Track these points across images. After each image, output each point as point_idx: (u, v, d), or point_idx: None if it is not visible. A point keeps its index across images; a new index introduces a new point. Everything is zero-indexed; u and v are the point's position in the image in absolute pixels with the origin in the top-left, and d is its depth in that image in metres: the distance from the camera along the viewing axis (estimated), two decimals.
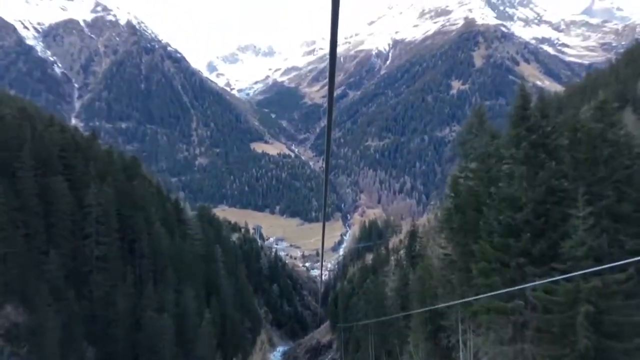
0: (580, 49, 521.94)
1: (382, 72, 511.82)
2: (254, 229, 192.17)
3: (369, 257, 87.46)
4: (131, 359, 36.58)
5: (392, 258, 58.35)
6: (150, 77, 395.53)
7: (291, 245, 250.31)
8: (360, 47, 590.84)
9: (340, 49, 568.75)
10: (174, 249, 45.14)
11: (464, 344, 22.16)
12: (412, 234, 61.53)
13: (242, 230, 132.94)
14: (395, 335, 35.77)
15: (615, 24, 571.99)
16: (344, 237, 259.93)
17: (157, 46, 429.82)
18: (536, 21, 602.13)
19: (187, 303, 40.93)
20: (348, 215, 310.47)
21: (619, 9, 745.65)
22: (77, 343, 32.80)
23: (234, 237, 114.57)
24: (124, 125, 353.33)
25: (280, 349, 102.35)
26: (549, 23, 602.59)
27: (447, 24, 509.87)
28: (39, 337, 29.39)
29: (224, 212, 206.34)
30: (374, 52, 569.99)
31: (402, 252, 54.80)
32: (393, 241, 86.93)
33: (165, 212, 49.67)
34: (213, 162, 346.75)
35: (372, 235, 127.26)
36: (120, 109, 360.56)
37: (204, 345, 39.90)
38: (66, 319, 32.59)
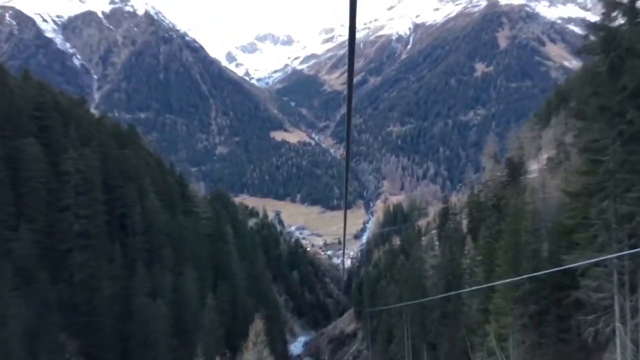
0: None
1: (403, 56, 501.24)
2: (275, 214, 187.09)
3: (396, 241, 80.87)
4: (119, 352, 30.90)
5: (424, 238, 51.75)
6: (168, 67, 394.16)
7: (313, 234, 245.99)
8: (380, 33, 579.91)
9: (359, 35, 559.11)
10: (174, 226, 39.26)
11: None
12: (445, 211, 54.94)
13: (261, 216, 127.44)
14: (440, 322, 29.59)
15: None
16: (367, 225, 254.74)
17: (175, 36, 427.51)
18: (561, 1, 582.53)
19: (187, 287, 34.97)
20: (370, 202, 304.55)
21: None
22: (53, 334, 27.11)
23: (252, 222, 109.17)
24: (143, 116, 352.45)
25: (302, 339, 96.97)
26: (575, 2, 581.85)
27: (470, 5, 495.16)
28: (1, 328, 23.66)
29: (244, 201, 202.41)
30: (394, 37, 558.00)
31: (450, 225, 48.39)
32: (420, 223, 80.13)
33: (167, 186, 43.80)
34: (233, 151, 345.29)
35: (397, 219, 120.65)
36: (139, 100, 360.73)
37: (207, 335, 33.94)
38: (39, 306, 26.83)
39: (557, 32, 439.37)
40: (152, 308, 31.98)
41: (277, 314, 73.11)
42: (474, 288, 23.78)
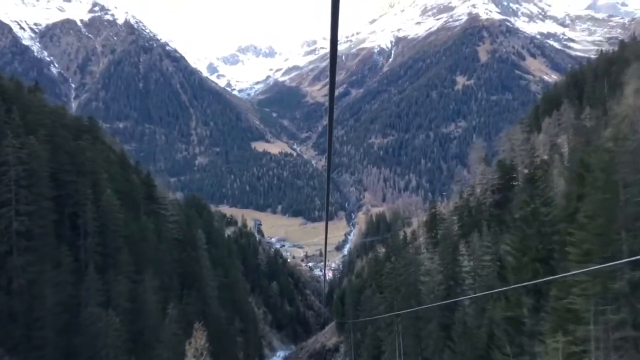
0: (587, 43, 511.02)
1: (385, 69, 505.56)
2: (255, 223, 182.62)
3: (380, 250, 77.11)
4: None
5: (411, 245, 48.17)
6: (148, 76, 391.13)
7: (294, 246, 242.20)
8: (361, 45, 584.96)
9: (341, 48, 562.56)
10: (135, 228, 34.95)
11: None
12: (433, 216, 51.70)
13: (239, 224, 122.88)
14: (439, 334, 25.77)
15: (621, 19, 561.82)
16: (348, 237, 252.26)
17: (155, 45, 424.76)
18: (540, 16, 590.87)
19: (147, 296, 30.60)
20: (352, 214, 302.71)
21: (623, 4, 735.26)
22: None
23: (230, 230, 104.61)
24: (121, 125, 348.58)
25: (281, 353, 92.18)
26: (554, 18, 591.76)
27: (451, 20, 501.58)
28: None
29: (224, 211, 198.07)
30: (375, 50, 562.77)
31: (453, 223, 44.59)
32: (404, 232, 76.49)
33: (130, 185, 39.44)
34: (213, 161, 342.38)
35: (380, 229, 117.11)
36: (117, 109, 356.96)
37: (168, 350, 29.58)
38: None
39: (536, 46, 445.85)
40: (103, 319, 27.61)
41: (253, 327, 68.64)
42: (527, 283, 16.73)
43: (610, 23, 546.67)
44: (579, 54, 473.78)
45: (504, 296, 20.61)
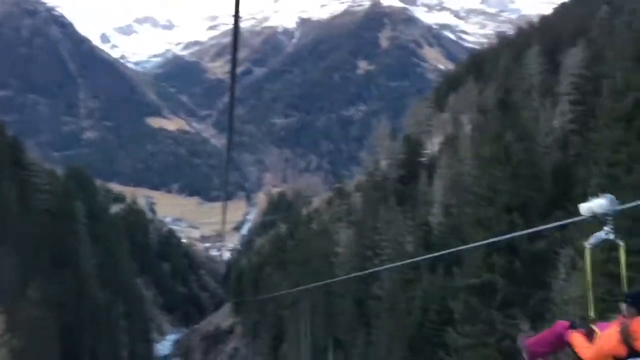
0: (479, 36, 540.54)
1: (288, 49, 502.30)
2: (147, 201, 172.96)
3: (282, 228, 74.52)
4: None
5: (315, 222, 46.03)
6: (32, 41, 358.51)
7: (190, 226, 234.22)
8: (265, 24, 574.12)
9: (245, 25, 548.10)
10: None
11: None
12: (339, 191, 49.76)
13: (128, 201, 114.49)
14: (354, 313, 23.38)
15: (510, 15, 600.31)
16: (248, 217, 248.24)
17: (41, 9, 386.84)
18: (438, 7, 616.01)
19: (1, 276, 25.30)
20: (252, 194, 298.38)
21: (511, 1, 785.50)
22: None
23: (117, 207, 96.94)
24: (0, 94, 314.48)
25: (172, 337, 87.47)
26: (450, 10, 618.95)
27: (354, 4, 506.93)
28: None
29: (114, 189, 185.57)
30: (280, 30, 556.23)
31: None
32: (307, 210, 74.76)
33: None
34: (103, 136, 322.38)
35: (281, 208, 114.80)
36: None
37: (21, 337, 24.81)
38: None
39: (433, 36, 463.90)
40: None
41: (140, 310, 63.52)
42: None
43: (500, 18, 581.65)
44: (472, 45, 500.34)
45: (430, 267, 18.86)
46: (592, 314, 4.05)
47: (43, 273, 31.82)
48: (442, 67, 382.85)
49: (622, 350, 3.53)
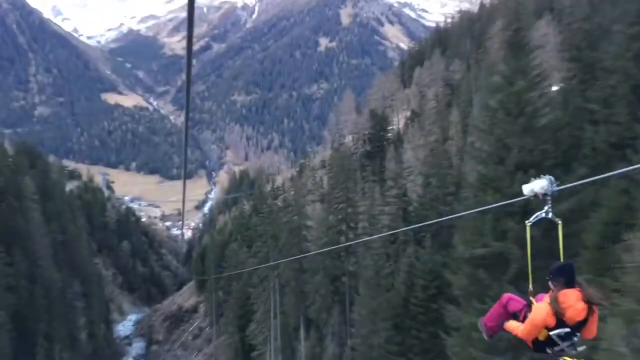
0: (439, 15, 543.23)
1: (248, 25, 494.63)
2: (103, 178, 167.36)
3: (245, 206, 72.69)
4: None
5: (280, 198, 44.46)
6: None
7: (150, 205, 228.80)
8: None
9: (203, 0, 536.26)
10: None
11: None
12: (303, 167, 48.33)
13: (84, 179, 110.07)
14: (328, 289, 21.96)
15: None
16: (209, 196, 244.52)
17: None
18: None
19: None
20: (213, 172, 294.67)
21: None
22: None
23: (72, 185, 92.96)
24: None
25: (133, 317, 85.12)
26: None
27: None
28: None
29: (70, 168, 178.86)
30: (239, 5, 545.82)
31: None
32: (271, 186, 72.91)
33: None
34: (56, 112, 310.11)
35: (244, 186, 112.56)
36: None
37: None
38: None
39: (394, 14, 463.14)
40: None
41: (98, 290, 61.02)
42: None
43: None
44: (432, 24, 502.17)
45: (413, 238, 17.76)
46: (531, 287, 4.26)
47: None
48: (403, 45, 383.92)
49: (552, 321, 3.76)
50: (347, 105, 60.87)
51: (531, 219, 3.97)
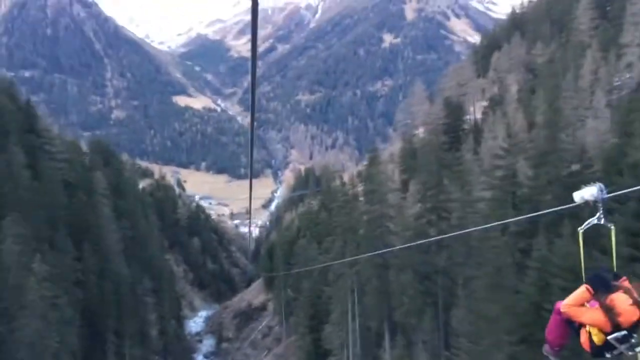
0: (507, 5, 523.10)
1: (312, 25, 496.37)
2: (174, 176, 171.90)
3: (312, 203, 70.92)
4: None
5: (350, 193, 42.10)
6: (57, 21, 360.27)
7: (219, 203, 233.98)
8: (288, 0, 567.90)
9: (267, 2, 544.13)
10: None
11: None
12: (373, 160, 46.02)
13: (156, 176, 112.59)
14: (416, 288, 18.87)
15: None
16: (275, 195, 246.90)
17: None
18: None
19: (4, 248, 22.19)
20: (279, 171, 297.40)
21: None
22: None
23: (145, 183, 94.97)
24: (27, 74, 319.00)
25: (203, 313, 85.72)
26: None
27: None
28: None
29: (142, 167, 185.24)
30: (302, 5, 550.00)
31: None
32: (341, 181, 70.60)
33: None
34: (131, 115, 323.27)
35: (310, 183, 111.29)
36: (23, 56, 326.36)
37: (35, 317, 21.85)
38: None
39: (461, 7, 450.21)
40: None
41: (170, 286, 61.16)
42: None
43: None
44: (500, 16, 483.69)
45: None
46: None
47: (57, 247, 29.05)
48: (470, 39, 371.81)
49: (608, 327, 3.69)
50: (418, 96, 57.67)
51: (583, 225, 3.92)
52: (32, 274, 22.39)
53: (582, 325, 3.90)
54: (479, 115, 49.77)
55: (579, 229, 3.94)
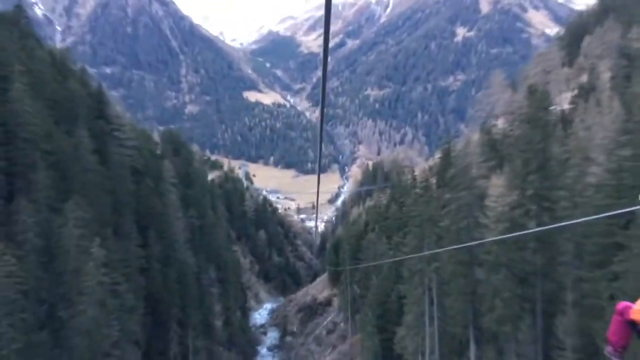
0: None
1: (382, 20, 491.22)
2: (242, 168, 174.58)
3: (380, 197, 68.43)
4: None
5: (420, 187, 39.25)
6: (137, 20, 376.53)
7: (286, 198, 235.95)
8: None
9: None
10: (63, 143, 25.67)
11: None
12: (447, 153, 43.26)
13: (225, 169, 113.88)
14: (512, 291, 15.80)
15: None
16: (342, 190, 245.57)
17: None
18: None
19: (65, 231, 21.55)
20: (346, 167, 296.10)
21: None
22: None
23: (214, 174, 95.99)
24: (108, 71, 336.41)
25: (268, 306, 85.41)
26: None
27: None
28: None
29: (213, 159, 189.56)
30: (373, 0, 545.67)
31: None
32: (412, 175, 67.44)
33: (66, 93, 29.59)
34: (203, 110, 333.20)
35: (378, 178, 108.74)
36: (105, 54, 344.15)
37: (93, 305, 21.07)
38: None
39: None
40: None
41: (235, 277, 60.81)
42: None
43: None
44: (582, 7, 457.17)
45: None
46: None
47: (121, 233, 28.64)
48: (549, 31, 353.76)
49: None
50: (499, 85, 53.92)
51: None
52: (91, 258, 21.77)
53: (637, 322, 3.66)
54: (566, 105, 45.56)
55: None
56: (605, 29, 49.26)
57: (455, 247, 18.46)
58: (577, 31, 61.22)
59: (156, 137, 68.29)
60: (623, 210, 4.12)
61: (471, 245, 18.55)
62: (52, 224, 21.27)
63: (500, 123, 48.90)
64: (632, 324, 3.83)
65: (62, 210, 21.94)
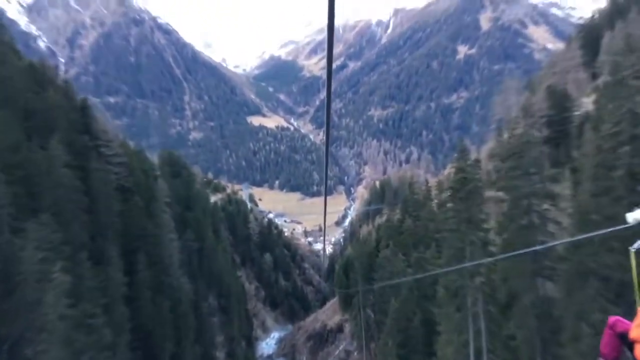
0: (591, 10, 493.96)
1: (383, 40, 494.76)
2: (245, 190, 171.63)
3: (392, 213, 64.88)
4: None
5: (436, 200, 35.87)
6: (139, 49, 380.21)
7: (293, 221, 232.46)
8: (359, 17, 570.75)
9: (338, 20, 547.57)
10: (31, 156, 22.45)
11: None
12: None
13: (228, 191, 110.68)
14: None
15: None
16: (348, 211, 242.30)
17: (146, 18, 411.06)
18: None
19: (25, 255, 18.09)
20: (352, 188, 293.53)
21: None
22: None
23: (216, 197, 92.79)
24: (112, 100, 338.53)
25: (276, 334, 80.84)
26: None
27: None
28: None
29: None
30: (373, 22, 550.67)
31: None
32: (426, 188, 63.50)
33: (42, 103, 26.69)
34: (208, 136, 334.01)
35: (386, 195, 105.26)
36: (108, 83, 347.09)
37: (52, 341, 17.43)
38: None
39: (539, 14, 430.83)
40: None
41: (239, 304, 56.97)
42: None
43: None
44: (583, 21, 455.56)
45: None
46: None
47: (99, 257, 25.09)
48: (551, 46, 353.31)
49: None
50: (513, 88, 50.89)
51: (635, 245, 3.72)
52: (51, 287, 18.30)
53: (635, 340, 3.66)
54: (589, 105, 42.26)
55: (630, 248, 3.64)
56: (627, 25, 46.22)
57: (513, 253, 14.08)
58: (592, 32, 58.33)
59: (156, 159, 65.57)
60: None
61: (537, 250, 14.15)
62: (14, 247, 18.17)
63: (520, 127, 45.52)
64: (621, 337, 3.84)
65: (24, 231, 18.77)
